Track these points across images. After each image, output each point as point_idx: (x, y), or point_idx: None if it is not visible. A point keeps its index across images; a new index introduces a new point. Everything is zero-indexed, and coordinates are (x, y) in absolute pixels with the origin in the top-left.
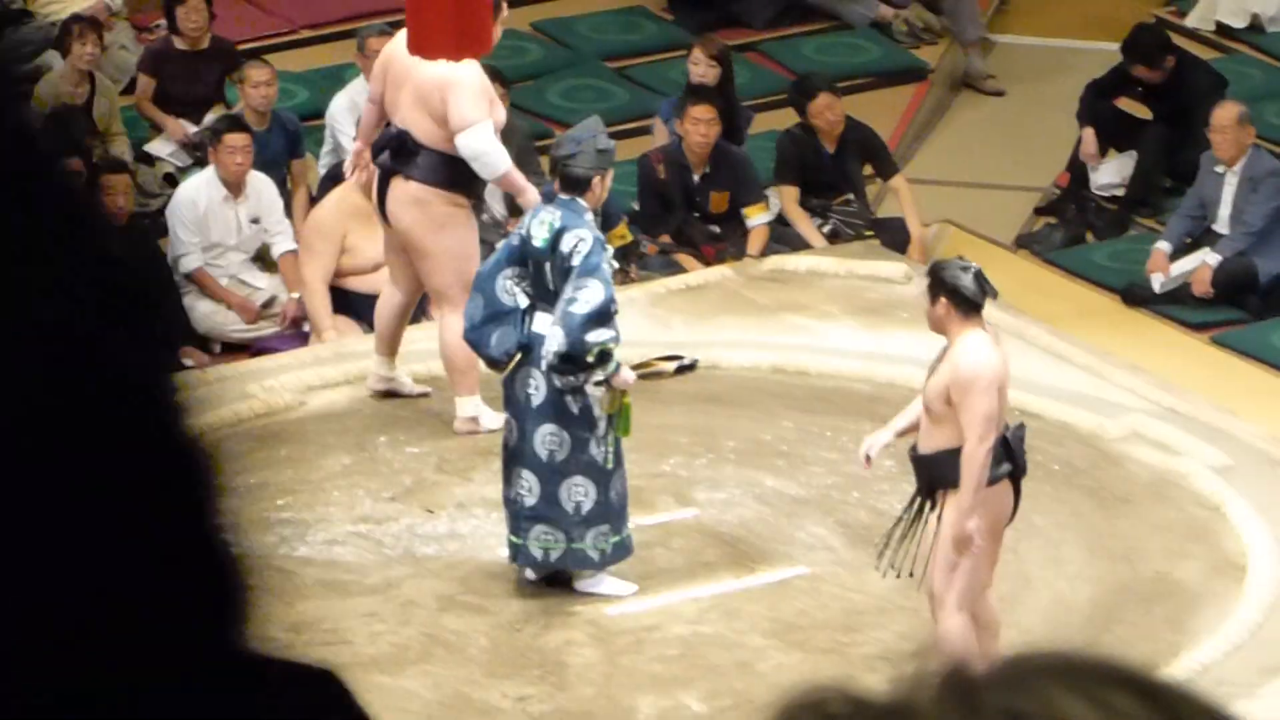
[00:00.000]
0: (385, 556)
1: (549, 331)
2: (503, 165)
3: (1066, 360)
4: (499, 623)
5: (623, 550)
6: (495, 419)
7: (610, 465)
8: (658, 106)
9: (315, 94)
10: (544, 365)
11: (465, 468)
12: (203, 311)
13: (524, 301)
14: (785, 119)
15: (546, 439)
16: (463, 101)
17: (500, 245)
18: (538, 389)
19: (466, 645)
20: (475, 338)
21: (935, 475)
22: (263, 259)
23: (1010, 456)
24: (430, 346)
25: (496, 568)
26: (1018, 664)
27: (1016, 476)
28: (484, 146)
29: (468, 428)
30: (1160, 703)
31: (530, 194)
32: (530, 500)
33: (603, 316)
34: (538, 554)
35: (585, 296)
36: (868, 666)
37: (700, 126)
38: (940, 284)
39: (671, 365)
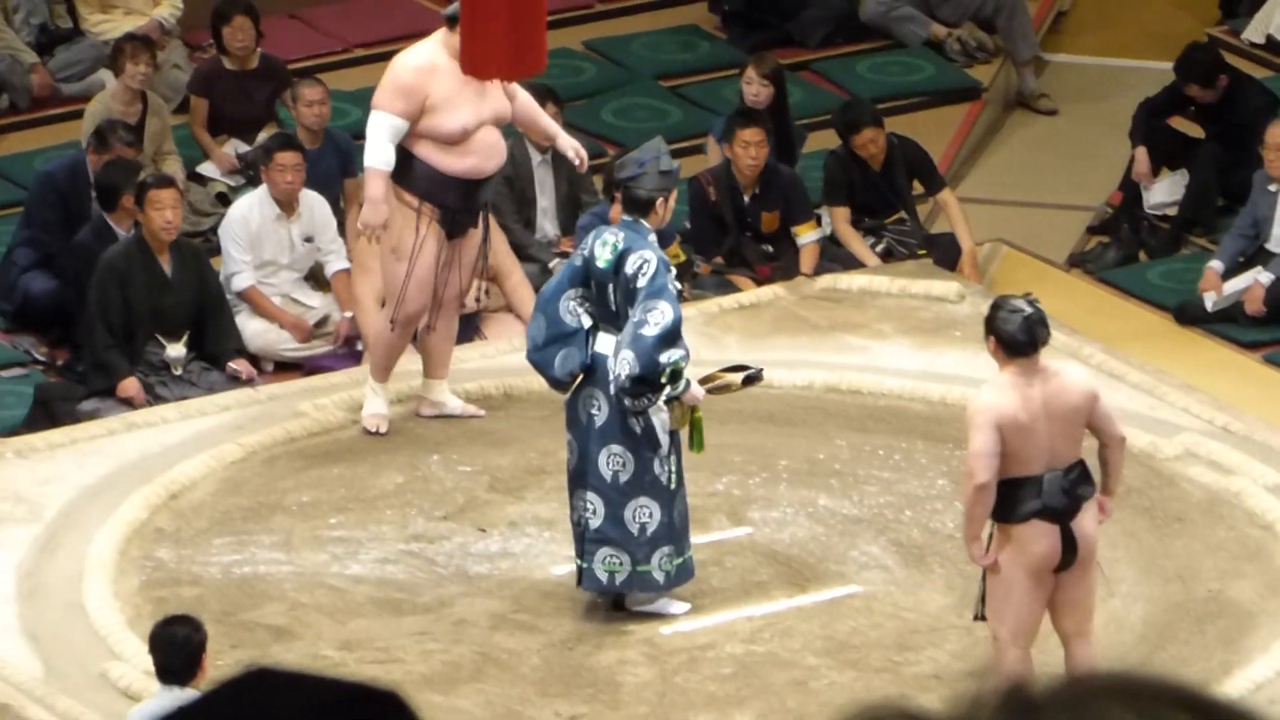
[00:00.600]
0: (438, 575)
1: (619, 355)
2: (369, 160)
3: (1120, 379)
4: (551, 641)
5: (686, 572)
6: (382, 411)
7: (673, 485)
8: (712, 125)
9: (368, 112)
10: (614, 388)
11: (518, 486)
12: (254, 330)
13: (587, 322)
14: (837, 138)
15: (611, 459)
16: (381, 85)
17: (562, 266)
18: (600, 409)
19: (519, 664)
20: (539, 359)
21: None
22: (315, 278)
23: (1040, 495)
24: (481, 365)
25: (549, 586)
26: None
27: (1055, 519)
28: (371, 131)
29: (382, 424)
30: None
31: (371, 207)
32: (595, 522)
33: (673, 336)
34: (603, 577)
35: (655, 318)
36: (922, 686)
37: (750, 150)
38: (989, 322)
39: (738, 376)
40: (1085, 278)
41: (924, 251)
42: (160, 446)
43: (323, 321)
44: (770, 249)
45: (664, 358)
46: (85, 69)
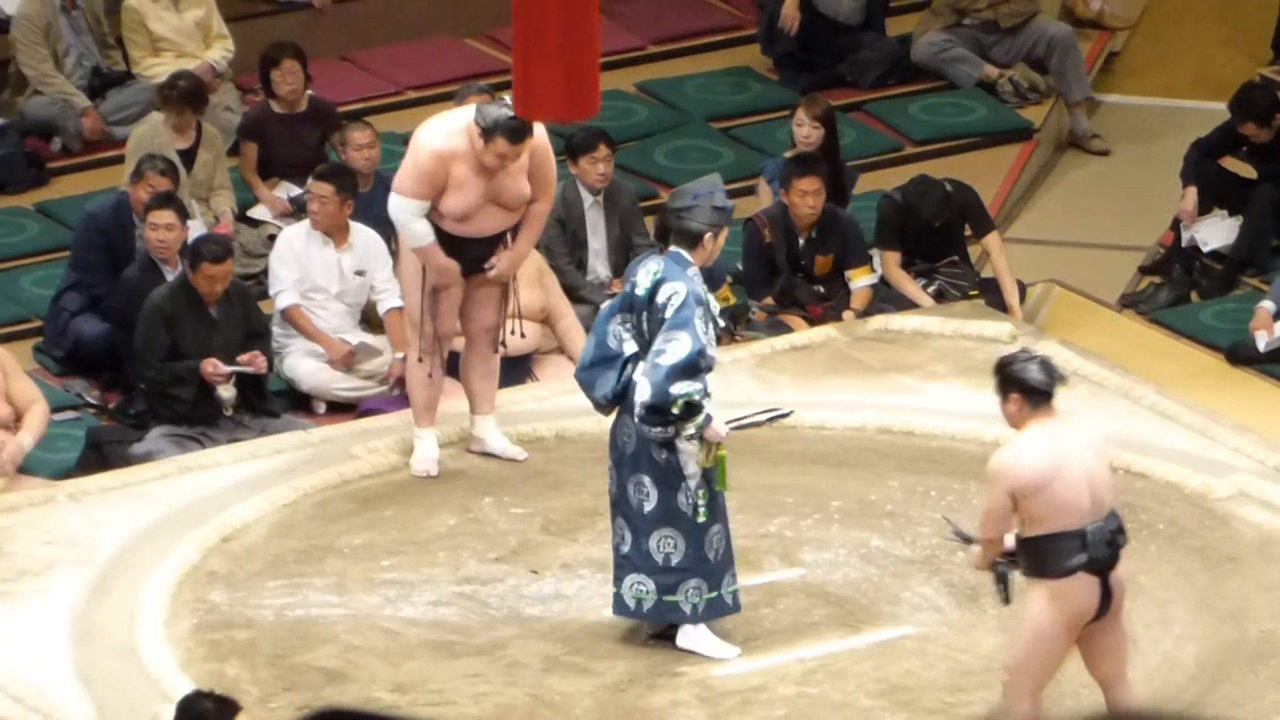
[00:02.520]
0: (490, 617)
1: (637, 382)
2: (413, 243)
3: (1172, 420)
4: (604, 683)
5: (720, 607)
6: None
7: (702, 519)
8: (763, 166)
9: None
10: (634, 416)
11: (570, 528)
12: (308, 369)
13: (630, 349)
14: (890, 179)
15: (637, 489)
16: (403, 166)
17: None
18: (631, 438)
19: (572, 706)
20: (585, 378)
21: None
22: (368, 320)
23: (1085, 548)
24: (534, 407)
25: (602, 628)
26: None
27: (1098, 570)
28: (397, 217)
29: (432, 467)
30: None
31: (441, 276)
32: (625, 549)
33: (689, 369)
34: (630, 603)
35: (673, 349)
36: None
37: (808, 199)
38: (1009, 380)
39: (764, 416)
40: (1137, 318)
41: (976, 293)
42: (212, 489)
43: (361, 347)
44: (822, 289)
45: (675, 389)
46: (137, 112)
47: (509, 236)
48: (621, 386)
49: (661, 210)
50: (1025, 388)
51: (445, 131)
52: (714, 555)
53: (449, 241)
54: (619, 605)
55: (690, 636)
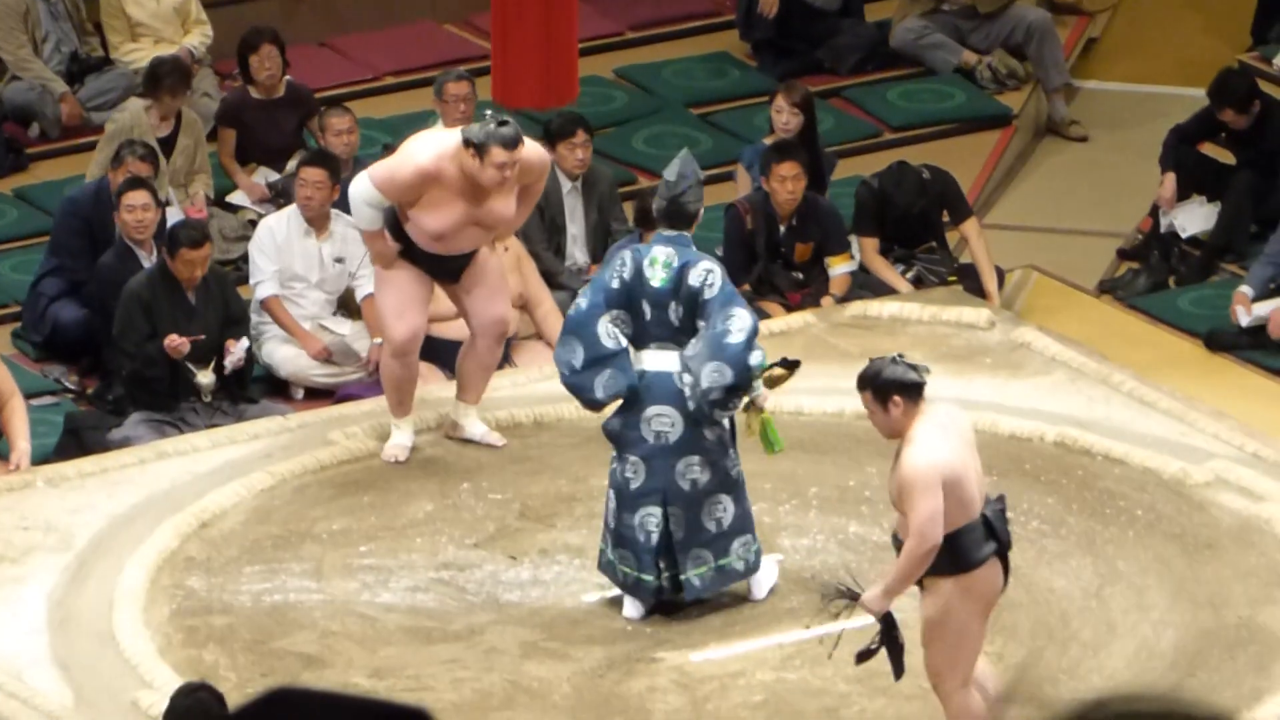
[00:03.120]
0: (468, 603)
1: (705, 368)
2: (361, 224)
3: (1150, 406)
4: (582, 669)
5: (761, 555)
6: (403, 442)
7: (740, 475)
8: (741, 153)
9: (398, 141)
10: (699, 401)
11: (548, 514)
12: (285, 356)
13: (625, 344)
14: (869, 165)
15: (689, 470)
16: (386, 162)
17: (587, 291)
18: (674, 425)
19: (550, 692)
20: (578, 382)
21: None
22: (347, 306)
23: (993, 534)
24: (512, 393)
25: (579, 614)
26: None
27: (1002, 553)
28: (355, 194)
29: (400, 453)
30: None
31: (381, 258)
32: (680, 533)
33: (755, 339)
34: (698, 583)
35: (736, 325)
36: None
37: (787, 184)
38: (887, 386)
39: (780, 369)
40: (1115, 304)
41: (954, 279)
42: (190, 475)
43: (341, 352)
44: (800, 275)
45: (752, 361)
46: (116, 98)
47: None
48: (635, 381)
49: (649, 195)
50: (904, 387)
51: (436, 151)
52: (750, 506)
53: (424, 258)
54: (690, 590)
55: (762, 585)
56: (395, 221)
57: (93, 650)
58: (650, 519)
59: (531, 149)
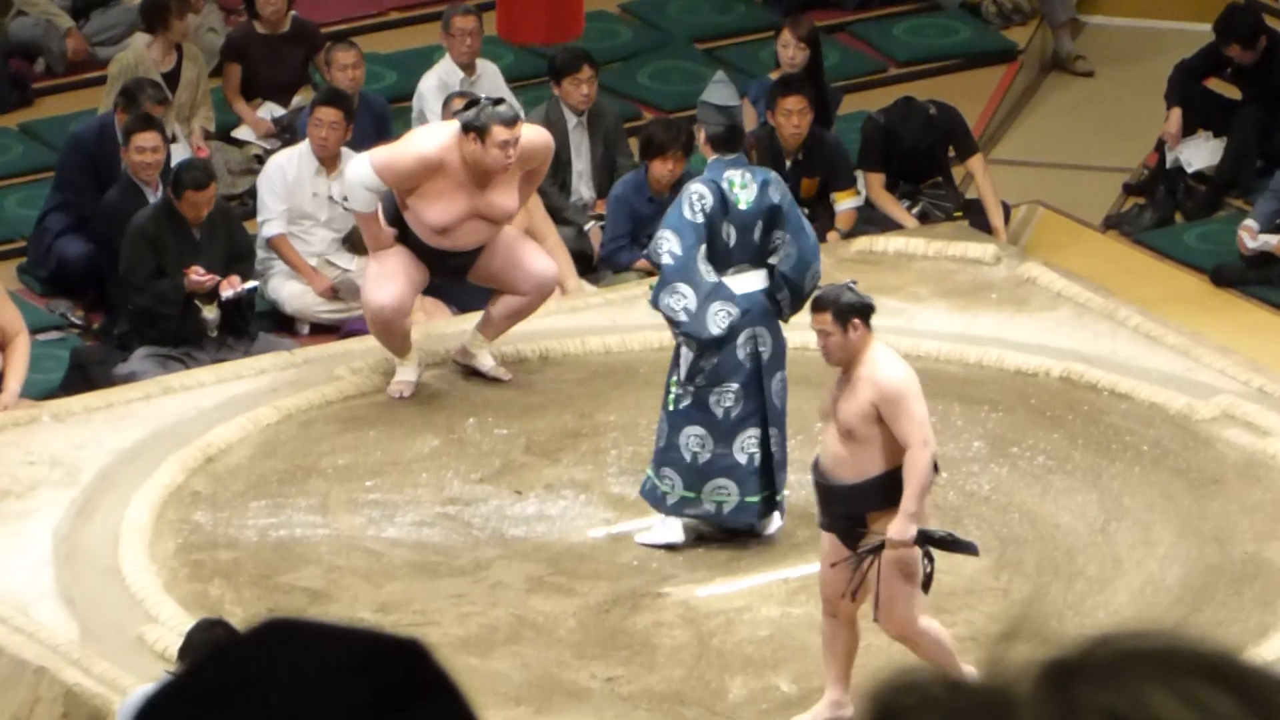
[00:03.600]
0: (474, 538)
1: (804, 275)
2: (356, 206)
3: (1156, 341)
4: (588, 604)
5: None
6: (408, 379)
7: None
8: (747, 88)
9: (404, 76)
10: (806, 301)
11: (554, 449)
12: (291, 292)
13: (716, 275)
14: (874, 100)
15: (781, 385)
16: (389, 146)
17: (668, 236)
18: (767, 344)
19: (555, 627)
20: (695, 327)
21: (866, 504)
22: (353, 241)
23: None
24: (518, 329)
25: (585, 549)
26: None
27: None
28: (352, 177)
29: (405, 389)
30: (1257, 702)
31: (376, 242)
32: (779, 454)
33: None
34: (782, 505)
35: (809, 228)
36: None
37: (793, 118)
38: (849, 309)
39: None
40: (1121, 239)
41: (960, 214)
42: (196, 410)
43: (349, 288)
44: (806, 211)
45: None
46: (121, 33)
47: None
48: (742, 308)
49: (655, 126)
50: (864, 310)
51: (438, 141)
52: None
53: (427, 252)
54: (783, 510)
55: (770, 520)
56: (395, 211)
57: (98, 585)
58: (750, 441)
59: (532, 131)
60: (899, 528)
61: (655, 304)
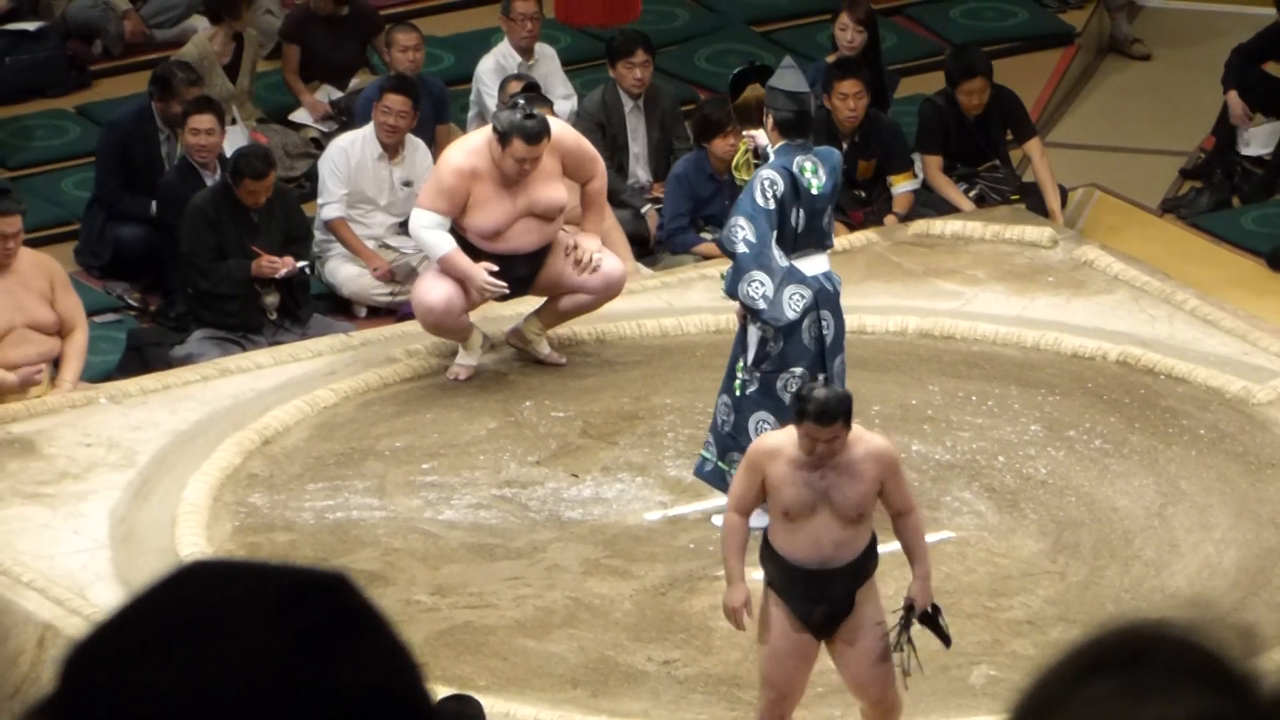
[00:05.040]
0: (530, 520)
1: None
2: (436, 254)
3: (1213, 325)
4: (644, 587)
5: None
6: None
7: None
8: (804, 71)
9: (461, 58)
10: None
11: (610, 432)
12: (347, 275)
13: (786, 260)
14: (931, 84)
15: (840, 368)
16: (426, 185)
17: (741, 225)
18: (829, 325)
19: (612, 609)
20: (774, 313)
21: (862, 574)
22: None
23: None
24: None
25: (641, 531)
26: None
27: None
28: (415, 230)
29: (461, 372)
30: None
31: (469, 277)
32: None
33: None
34: None
35: None
36: (1014, 631)
37: (849, 101)
38: (851, 411)
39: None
40: (1178, 223)
41: (1017, 197)
42: (253, 392)
43: (408, 273)
44: (863, 194)
45: None
46: (178, 15)
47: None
48: (814, 289)
49: (708, 107)
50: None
51: (465, 149)
52: None
53: (492, 258)
54: None
55: None
56: (455, 235)
57: (155, 567)
58: None
59: (563, 132)
60: (923, 591)
61: (732, 293)
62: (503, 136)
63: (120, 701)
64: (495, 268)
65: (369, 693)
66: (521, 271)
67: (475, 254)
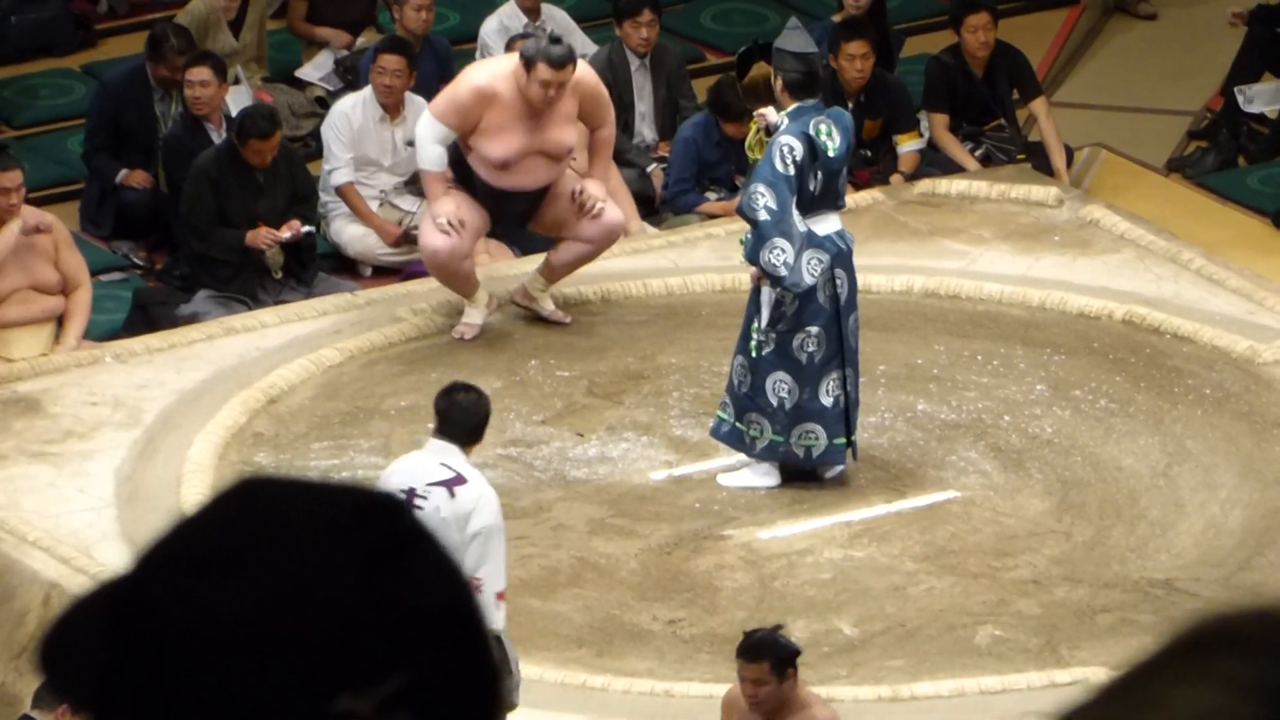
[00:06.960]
0: (536, 480)
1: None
2: (423, 164)
3: (1219, 284)
4: (649, 546)
5: None
6: (475, 321)
7: None
8: (810, 31)
9: (466, 17)
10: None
11: (616, 391)
12: (352, 235)
13: (804, 225)
14: (937, 43)
15: (854, 324)
16: (443, 91)
17: (761, 191)
18: (844, 284)
19: (617, 568)
20: (795, 278)
21: None
22: (414, 184)
23: None
24: (580, 271)
25: (647, 491)
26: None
27: None
28: (418, 133)
29: (467, 331)
30: None
31: (438, 205)
32: (855, 393)
33: None
34: (855, 442)
35: None
36: (1020, 591)
37: (855, 62)
38: (791, 656)
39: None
40: (1184, 182)
41: (1023, 156)
42: (258, 351)
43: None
44: (869, 153)
45: None
46: None
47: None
48: (831, 253)
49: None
50: (796, 656)
51: (490, 71)
52: None
53: (491, 195)
54: (857, 450)
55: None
56: (458, 156)
57: (160, 526)
58: (834, 384)
59: (585, 73)
60: None
61: (753, 259)
62: (528, 61)
63: (196, 613)
64: (461, 216)
65: (437, 610)
66: (519, 207)
67: (480, 185)
